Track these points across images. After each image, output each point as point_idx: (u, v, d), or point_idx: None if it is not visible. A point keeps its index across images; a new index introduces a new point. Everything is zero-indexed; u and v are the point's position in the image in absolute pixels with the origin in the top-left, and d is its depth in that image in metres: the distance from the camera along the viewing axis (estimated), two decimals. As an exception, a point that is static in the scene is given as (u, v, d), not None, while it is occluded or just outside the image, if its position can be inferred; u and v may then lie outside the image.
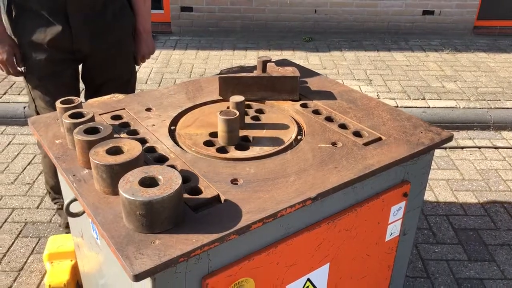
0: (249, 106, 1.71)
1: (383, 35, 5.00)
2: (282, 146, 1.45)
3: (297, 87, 1.74)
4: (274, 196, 1.22)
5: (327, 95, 1.81)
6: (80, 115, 1.41)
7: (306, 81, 1.93)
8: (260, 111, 1.68)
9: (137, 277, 0.99)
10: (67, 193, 1.49)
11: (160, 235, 1.08)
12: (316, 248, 1.37)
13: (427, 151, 1.51)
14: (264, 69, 1.84)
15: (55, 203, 2.37)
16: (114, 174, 1.19)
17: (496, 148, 3.31)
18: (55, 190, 2.28)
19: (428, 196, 2.81)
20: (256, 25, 4.84)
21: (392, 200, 1.51)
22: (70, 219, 1.78)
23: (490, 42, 4.91)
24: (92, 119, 1.40)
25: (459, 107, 3.62)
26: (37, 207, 2.64)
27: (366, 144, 1.48)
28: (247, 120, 1.61)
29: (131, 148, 1.24)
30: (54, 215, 2.58)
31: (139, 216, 1.07)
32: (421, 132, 1.56)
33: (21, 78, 2.12)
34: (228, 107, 1.63)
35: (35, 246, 2.37)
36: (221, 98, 1.76)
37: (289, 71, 1.77)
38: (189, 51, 4.59)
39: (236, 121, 1.46)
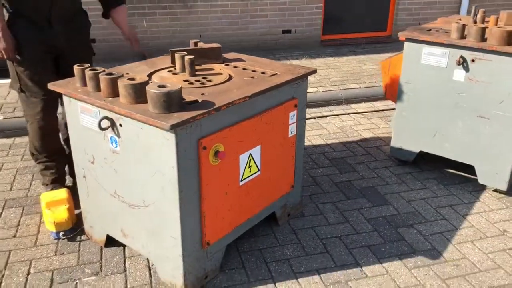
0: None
1: (255, 51, 6.23)
2: (223, 80, 2.42)
3: (221, 54, 2.74)
4: (229, 97, 2.17)
5: (239, 60, 2.83)
6: (95, 69, 2.23)
7: (223, 55, 2.93)
8: (204, 69, 2.62)
9: (172, 126, 1.86)
10: (97, 115, 2.22)
11: (175, 113, 1.96)
12: (253, 131, 2.34)
13: (304, 77, 2.59)
14: (195, 46, 2.80)
15: (38, 163, 2.99)
16: (137, 90, 2.04)
17: (348, 114, 4.63)
18: (39, 150, 2.92)
19: (309, 145, 3.93)
20: (152, 50, 5.74)
21: (289, 108, 2.55)
22: (75, 159, 2.50)
23: (334, 50, 6.44)
24: (103, 71, 2.22)
25: (320, 91, 4.91)
26: (10, 189, 3.20)
27: (270, 76, 2.51)
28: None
29: (141, 78, 2.11)
30: (29, 190, 3.17)
31: (163, 103, 1.95)
32: (299, 69, 2.64)
33: None
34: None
35: (22, 211, 2.95)
36: (172, 65, 2.67)
37: (214, 45, 2.76)
38: (97, 75, 5.32)
39: (181, 58, 2.46)
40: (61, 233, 2.68)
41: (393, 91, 3.62)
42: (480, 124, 3.07)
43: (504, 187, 3.12)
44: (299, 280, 2.41)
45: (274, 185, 2.63)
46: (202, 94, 2.21)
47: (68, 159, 3.14)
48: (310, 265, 2.51)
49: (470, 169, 3.31)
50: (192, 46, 2.82)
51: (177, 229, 2.12)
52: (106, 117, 2.15)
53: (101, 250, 2.60)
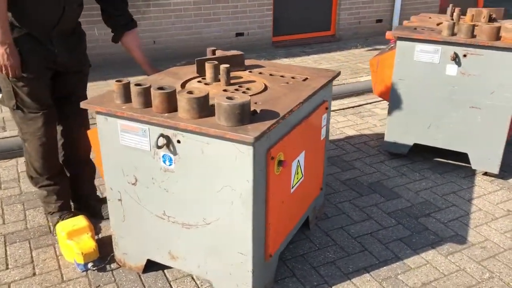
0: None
1: (209, 56, 6.16)
2: (262, 88, 2.37)
3: (243, 61, 2.67)
4: (284, 104, 2.13)
5: (259, 66, 2.78)
6: (140, 84, 2.07)
7: (237, 62, 2.86)
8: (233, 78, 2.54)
9: (255, 138, 1.79)
10: (145, 133, 2.08)
11: (248, 125, 1.89)
12: (300, 138, 2.32)
13: (332, 80, 2.61)
14: (213, 54, 2.71)
15: (39, 187, 2.70)
16: (201, 103, 1.93)
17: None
18: (40, 172, 2.64)
19: (299, 147, 3.97)
20: (105, 59, 5.44)
21: (322, 112, 2.56)
22: (109, 182, 2.30)
23: (286, 51, 6.55)
24: (150, 86, 2.07)
25: (291, 92, 4.96)
26: (3, 223, 2.86)
27: (303, 80, 2.50)
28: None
29: (199, 90, 2.00)
30: (26, 222, 2.86)
31: (237, 115, 1.86)
32: (326, 72, 2.66)
33: None
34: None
35: (30, 246, 2.66)
36: (198, 75, 2.56)
37: (235, 52, 2.68)
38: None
39: (217, 66, 2.37)
40: (89, 264, 2.45)
41: (382, 88, 3.77)
42: (473, 114, 3.32)
43: (496, 170, 3.39)
44: (352, 280, 2.43)
45: (310, 189, 2.63)
46: (255, 103, 2.14)
47: (69, 181, 2.88)
48: (356, 265, 2.55)
49: (458, 156, 3.56)
50: (209, 54, 2.72)
51: (247, 244, 2.04)
52: (162, 134, 2.01)
53: (139, 276, 2.43)
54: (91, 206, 2.91)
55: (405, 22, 3.91)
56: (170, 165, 2.08)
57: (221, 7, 5.99)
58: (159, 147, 2.01)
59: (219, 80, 2.44)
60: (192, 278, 2.42)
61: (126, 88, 2.10)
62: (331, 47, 6.80)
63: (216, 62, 2.44)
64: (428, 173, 3.54)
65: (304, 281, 2.42)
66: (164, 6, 5.67)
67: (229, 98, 1.91)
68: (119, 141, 2.16)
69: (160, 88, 2.01)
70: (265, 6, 6.30)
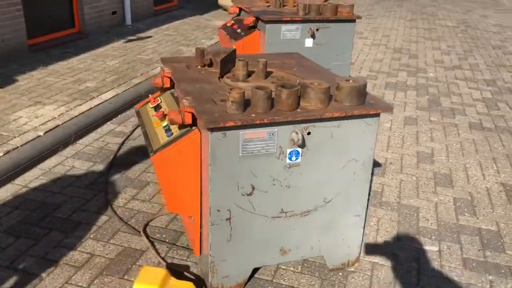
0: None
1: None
2: (293, 74, 2.56)
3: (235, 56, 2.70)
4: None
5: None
6: (261, 88, 1.99)
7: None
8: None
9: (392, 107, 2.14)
10: (273, 136, 2.04)
11: (369, 100, 2.19)
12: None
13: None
14: (203, 55, 2.63)
15: None
16: (326, 94, 2.08)
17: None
18: None
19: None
20: None
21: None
22: (215, 203, 2.07)
23: (47, 54, 5.76)
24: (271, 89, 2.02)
25: (120, 93, 4.68)
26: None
27: (296, 64, 2.80)
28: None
29: (319, 83, 2.12)
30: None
31: (365, 94, 2.14)
32: (296, 55, 3.00)
33: None
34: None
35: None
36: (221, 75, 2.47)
37: (228, 48, 2.67)
38: None
39: (246, 64, 2.45)
40: (195, 306, 2.16)
41: (248, 68, 4.21)
42: (326, 74, 4.25)
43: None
44: (369, 213, 3.04)
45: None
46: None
47: None
48: (355, 204, 3.14)
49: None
50: (199, 55, 2.62)
51: (363, 204, 2.37)
52: (297, 131, 2.05)
53: (245, 291, 2.32)
54: None
55: (230, 9, 4.44)
56: (296, 159, 2.14)
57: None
58: (302, 143, 2.05)
59: (249, 76, 2.47)
60: (282, 268, 2.49)
61: (243, 95, 1.98)
62: (90, 44, 6.40)
63: (247, 60, 2.45)
64: (302, 129, 4.32)
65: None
66: None
67: (348, 81, 2.15)
68: (238, 153, 2.02)
69: (285, 87, 2.03)
70: (14, 7, 5.35)
